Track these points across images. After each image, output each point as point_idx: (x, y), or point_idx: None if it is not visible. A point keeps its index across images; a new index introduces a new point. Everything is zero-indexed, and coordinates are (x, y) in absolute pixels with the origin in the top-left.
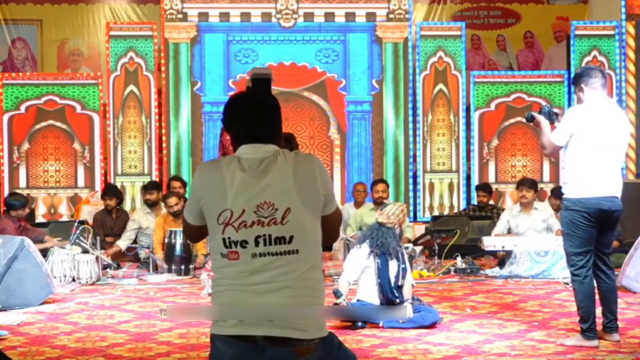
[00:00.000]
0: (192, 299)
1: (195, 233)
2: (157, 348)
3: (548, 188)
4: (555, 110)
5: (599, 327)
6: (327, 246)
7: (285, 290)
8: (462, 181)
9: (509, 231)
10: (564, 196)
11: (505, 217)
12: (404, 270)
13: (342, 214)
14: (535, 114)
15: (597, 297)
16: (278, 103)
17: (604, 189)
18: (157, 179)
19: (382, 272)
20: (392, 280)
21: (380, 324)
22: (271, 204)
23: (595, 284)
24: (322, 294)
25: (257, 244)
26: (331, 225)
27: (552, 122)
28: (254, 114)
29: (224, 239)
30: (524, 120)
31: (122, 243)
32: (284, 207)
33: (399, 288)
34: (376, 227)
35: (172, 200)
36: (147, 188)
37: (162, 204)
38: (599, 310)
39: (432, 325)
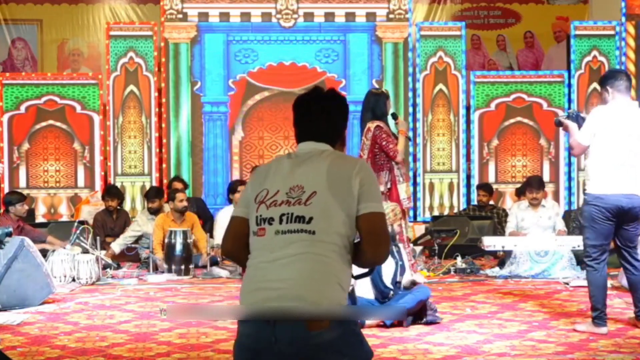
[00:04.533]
0: (192, 299)
1: (235, 230)
2: (157, 348)
3: (548, 188)
4: (583, 114)
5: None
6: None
7: (301, 267)
8: (462, 181)
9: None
10: (585, 191)
11: (514, 212)
12: (402, 267)
13: None
14: (562, 119)
15: (606, 287)
16: (341, 103)
17: (622, 186)
18: (157, 179)
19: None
20: (390, 277)
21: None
22: (301, 187)
23: (606, 274)
24: (340, 281)
25: (281, 221)
26: (367, 229)
27: (580, 126)
28: (312, 114)
29: (256, 217)
30: (523, 120)
31: (117, 247)
32: (311, 190)
33: (397, 284)
34: None
35: (182, 195)
36: (149, 197)
37: (166, 207)
38: (613, 303)
39: (425, 301)
